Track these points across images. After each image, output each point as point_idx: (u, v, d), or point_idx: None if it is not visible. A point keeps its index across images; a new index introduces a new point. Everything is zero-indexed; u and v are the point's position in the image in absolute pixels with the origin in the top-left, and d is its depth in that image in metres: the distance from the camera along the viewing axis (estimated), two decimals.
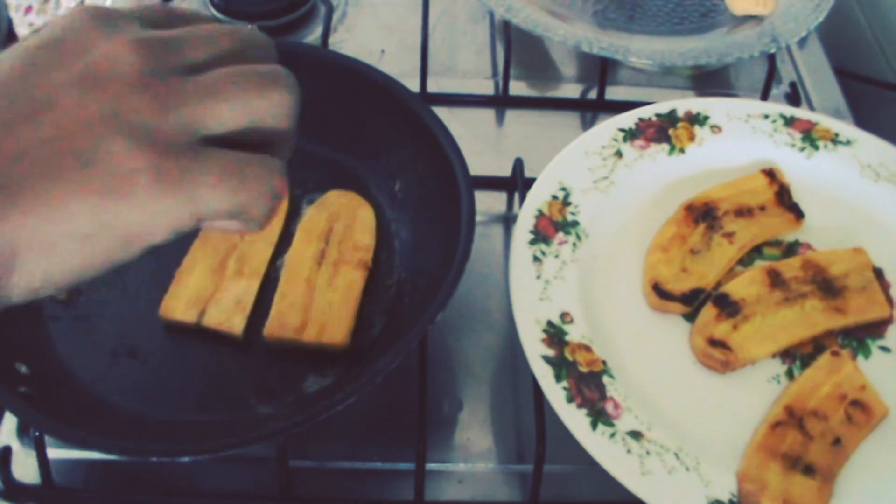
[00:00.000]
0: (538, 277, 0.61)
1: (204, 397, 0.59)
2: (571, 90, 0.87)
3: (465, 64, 0.89)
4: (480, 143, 0.81)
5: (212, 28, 0.40)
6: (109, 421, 0.57)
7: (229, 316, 0.61)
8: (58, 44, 0.36)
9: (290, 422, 0.51)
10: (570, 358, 0.57)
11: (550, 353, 0.57)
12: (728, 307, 0.61)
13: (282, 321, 0.61)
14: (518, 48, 0.87)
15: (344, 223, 0.66)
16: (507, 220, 0.75)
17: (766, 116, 0.73)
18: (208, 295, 0.62)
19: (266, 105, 0.38)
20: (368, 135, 0.70)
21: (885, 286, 0.64)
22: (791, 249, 0.66)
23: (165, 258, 0.64)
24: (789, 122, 0.72)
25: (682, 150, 0.70)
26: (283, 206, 0.67)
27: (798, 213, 0.67)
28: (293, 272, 0.64)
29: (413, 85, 0.74)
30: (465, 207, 0.59)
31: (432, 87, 0.83)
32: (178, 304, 0.62)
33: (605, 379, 0.57)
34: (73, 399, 0.58)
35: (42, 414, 0.53)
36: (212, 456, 0.52)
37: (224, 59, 0.39)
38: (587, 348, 0.58)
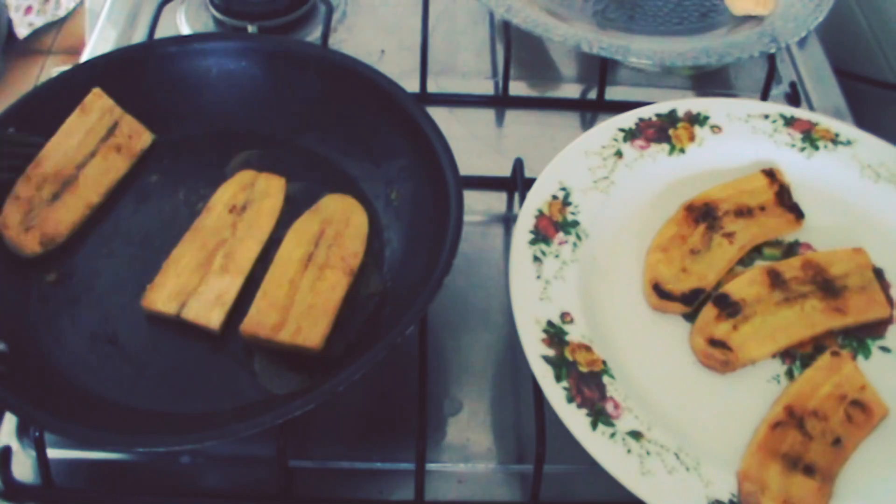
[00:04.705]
0: (538, 277, 0.61)
1: (176, 389, 0.59)
2: (571, 90, 0.87)
3: (465, 64, 0.89)
4: (480, 143, 0.81)
5: None
6: (79, 405, 0.57)
7: (208, 310, 0.61)
8: None
9: (249, 423, 0.51)
10: (570, 358, 0.57)
11: (550, 353, 0.57)
12: (728, 307, 0.61)
13: (259, 319, 0.60)
14: (518, 48, 0.87)
15: (336, 228, 0.66)
16: (507, 220, 0.75)
17: (766, 116, 0.73)
18: (191, 288, 0.62)
19: None
20: (368, 138, 0.70)
21: (885, 286, 0.64)
22: (791, 249, 0.66)
23: (157, 248, 0.64)
24: (789, 122, 0.72)
25: (682, 150, 0.70)
26: (277, 206, 0.67)
27: (798, 213, 0.67)
28: (278, 272, 0.63)
29: (413, 85, 0.74)
30: (453, 222, 0.59)
31: (432, 87, 0.83)
32: (161, 296, 0.62)
33: (605, 379, 0.57)
34: (46, 380, 0.58)
35: (9, 393, 0.53)
36: (166, 451, 0.51)
37: None
38: (587, 348, 0.58)
